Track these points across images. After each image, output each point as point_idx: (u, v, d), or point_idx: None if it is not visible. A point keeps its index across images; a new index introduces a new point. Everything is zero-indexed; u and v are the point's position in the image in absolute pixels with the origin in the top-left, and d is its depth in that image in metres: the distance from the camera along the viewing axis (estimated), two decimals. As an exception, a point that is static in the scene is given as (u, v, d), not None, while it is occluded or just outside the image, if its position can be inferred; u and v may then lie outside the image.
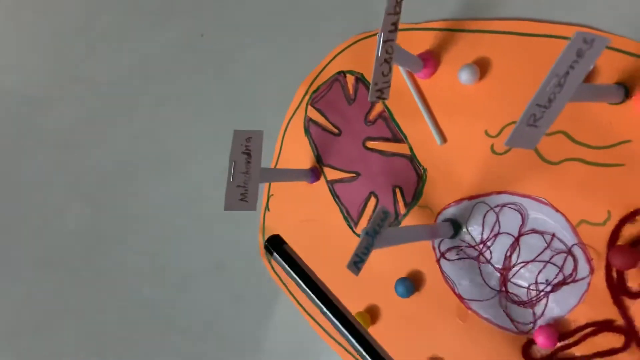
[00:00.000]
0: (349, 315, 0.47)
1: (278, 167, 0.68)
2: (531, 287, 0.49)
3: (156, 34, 0.83)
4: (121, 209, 0.85)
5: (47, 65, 0.97)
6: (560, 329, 0.48)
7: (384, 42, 0.47)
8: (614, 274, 0.46)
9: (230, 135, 0.54)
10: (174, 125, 0.80)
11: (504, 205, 0.51)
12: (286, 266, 0.49)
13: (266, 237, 0.69)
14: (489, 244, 0.52)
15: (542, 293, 0.49)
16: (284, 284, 0.67)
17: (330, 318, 0.47)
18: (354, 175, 0.62)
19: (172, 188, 0.79)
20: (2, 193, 1.00)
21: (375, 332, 0.59)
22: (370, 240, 0.44)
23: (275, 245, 0.50)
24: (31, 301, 0.93)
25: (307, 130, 0.66)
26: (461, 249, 0.54)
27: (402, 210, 0.58)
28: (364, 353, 0.45)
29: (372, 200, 0.60)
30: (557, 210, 0.48)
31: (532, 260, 0.49)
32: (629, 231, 0.45)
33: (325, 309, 0.47)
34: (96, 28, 0.91)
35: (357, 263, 0.43)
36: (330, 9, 0.65)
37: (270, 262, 0.68)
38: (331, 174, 0.64)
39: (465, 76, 0.53)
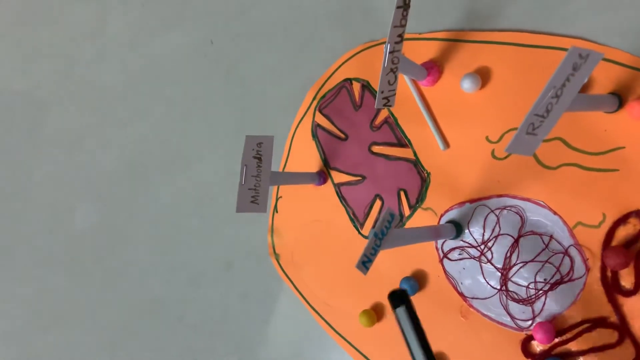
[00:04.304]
0: None
1: (286, 170, 0.70)
2: (530, 286, 0.52)
3: (166, 39, 0.85)
4: (131, 209, 0.87)
5: (56, 69, 0.99)
6: (557, 326, 0.50)
7: (390, 52, 0.49)
8: (609, 274, 0.48)
9: (239, 138, 0.55)
10: (184, 129, 0.82)
11: (504, 208, 0.54)
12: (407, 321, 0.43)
13: (275, 238, 0.71)
14: (489, 244, 0.54)
15: (540, 291, 0.51)
16: (292, 282, 0.69)
17: None
18: (360, 178, 0.64)
19: (182, 190, 0.81)
20: (13, 194, 1.02)
21: (380, 329, 0.62)
22: (378, 242, 0.46)
23: (401, 300, 0.43)
24: (41, 300, 0.95)
25: (314, 135, 0.68)
26: (463, 250, 0.56)
27: (407, 212, 0.60)
28: None
29: (378, 203, 0.62)
30: (555, 213, 0.51)
31: (531, 261, 0.52)
32: (622, 233, 0.48)
33: None
34: (106, 33, 0.93)
35: (365, 263, 0.45)
36: (337, 19, 0.68)
37: (279, 263, 0.71)
38: (338, 177, 0.66)
39: (467, 84, 0.55)
